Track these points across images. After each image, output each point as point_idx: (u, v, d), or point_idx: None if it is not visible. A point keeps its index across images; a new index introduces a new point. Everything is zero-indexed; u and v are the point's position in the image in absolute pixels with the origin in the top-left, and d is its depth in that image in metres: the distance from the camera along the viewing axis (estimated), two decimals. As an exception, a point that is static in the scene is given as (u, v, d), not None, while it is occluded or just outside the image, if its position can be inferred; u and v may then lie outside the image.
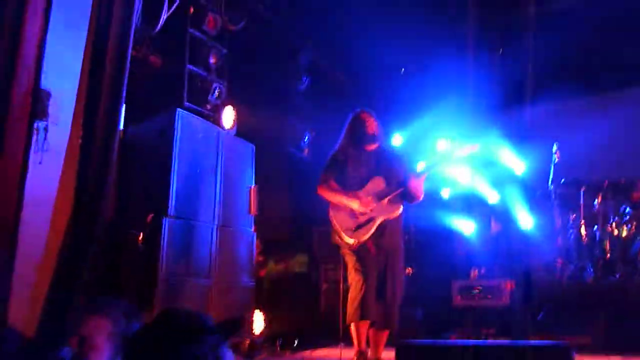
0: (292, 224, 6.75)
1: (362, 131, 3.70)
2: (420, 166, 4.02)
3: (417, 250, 6.19)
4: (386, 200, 3.51)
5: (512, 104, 6.85)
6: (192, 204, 4.24)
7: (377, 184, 3.55)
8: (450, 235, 6.42)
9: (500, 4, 6.26)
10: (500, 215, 6.55)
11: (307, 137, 7.00)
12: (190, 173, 4.26)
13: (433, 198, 6.65)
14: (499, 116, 6.88)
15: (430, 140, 6.91)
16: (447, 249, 6.25)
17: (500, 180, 6.66)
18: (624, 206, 5.37)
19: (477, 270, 5.76)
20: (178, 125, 4.18)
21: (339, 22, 5.88)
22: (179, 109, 4.28)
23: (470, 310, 5.50)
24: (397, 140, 6.79)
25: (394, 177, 3.60)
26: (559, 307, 5.04)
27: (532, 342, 3.46)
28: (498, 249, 6.25)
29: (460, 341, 4.49)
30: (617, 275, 5.08)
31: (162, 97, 4.66)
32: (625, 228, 5.22)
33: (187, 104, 4.63)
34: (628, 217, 5.29)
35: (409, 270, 6.04)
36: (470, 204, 6.75)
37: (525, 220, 6.30)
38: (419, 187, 3.57)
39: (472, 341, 4.35)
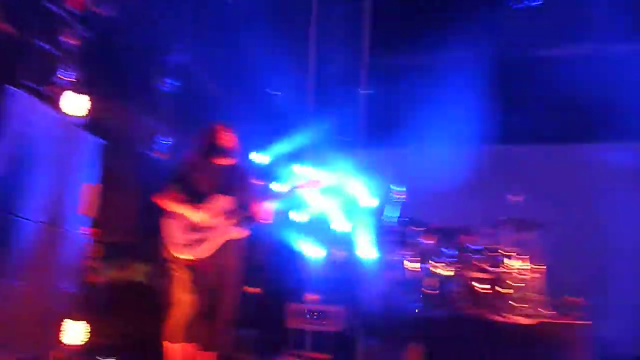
0: (139, 230, 6.36)
1: (216, 144, 3.61)
2: (274, 188, 4.04)
3: (260, 270, 6.19)
4: (232, 220, 3.44)
5: (371, 141, 7.24)
6: (13, 196, 3.76)
7: (225, 201, 3.47)
8: (295, 258, 6.54)
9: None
10: (345, 244, 6.84)
11: (166, 141, 6.70)
12: (16, 160, 3.79)
13: (285, 219, 6.78)
14: (359, 150, 7.24)
15: (291, 162, 7.04)
16: (289, 271, 6.35)
17: (351, 210, 6.98)
18: (450, 248, 5.92)
19: (314, 295, 5.91)
20: (5, 103, 3.69)
21: (213, 28, 5.78)
22: (10, 86, 3.79)
23: (304, 334, 5.62)
24: (258, 158, 6.80)
25: (243, 198, 3.55)
26: (385, 337, 5.37)
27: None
28: (338, 275, 6.50)
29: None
30: (436, 311, 5.56)
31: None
32: (448, 268, 5.74)
33: (27, 82, 4.14)
34: (453, 259, 5.83)
35: (257, 290, 6.03)
36: (320, 229, 6.97)
37: (368, 251, 6.67)
38: (267, 211, 3.56)
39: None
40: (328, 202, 6.95)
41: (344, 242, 6.80)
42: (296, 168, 6.96)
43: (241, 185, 3.63)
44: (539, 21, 6.15)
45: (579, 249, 5.22)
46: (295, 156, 6.95)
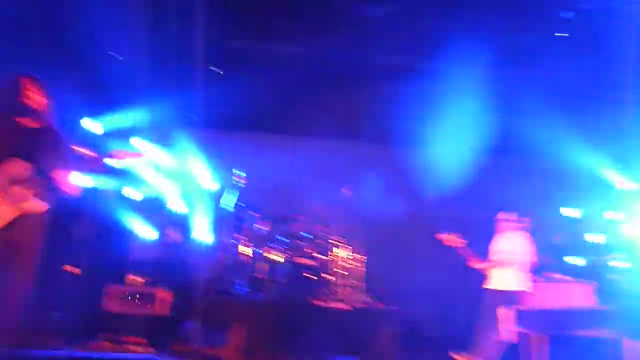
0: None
1: (19, 101, 3.17)
2: (99, 160, 3.64)
3: (82, 248, 5.74)
4: (30, 190, 3.05)
5: (215, 123, 7.09)
6: None
7: (19, 167, 3.07)
8: (123, 237, 6.19)
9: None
10: (179, 226, 6.64)
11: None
12: None
13: (118, 195, 6.38)
14: (203, 131, 7.05)
15: (129, 136, 6.63)
16: (114, 250, 5.99)
17: (190, 192, 6.79)
18: (283, 235, 6.07)
19: (138, 276, 5.65)
20: None
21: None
22: None
23: (123, 317, 5.32)
24: (91, 127, 6.27)
25: (49, 166, 3.16)
26: (209, 320, 5.31)
27: (118, 355, 3.49)
28: (169, 257, 6.29)
29: (48, 352, 4.23)
30: (264, 294, 5.66)
31: None
32: (279, 254, 5.88)
33: None
34: (284, 245, 5.98)
35: (75, 269, 5.58)
36: (155, 208, 6.68)
37: (203, 234, 6.55)
38: (73, 182, 3.23)
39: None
40: (166, 182, 6.70)
41: (180, 223, 6.60)
42: (134, 142, 6.58)
43: (50, 152, 3.22)
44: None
45: (395, 241, 5.68)
46: (135, 131, 6.56)
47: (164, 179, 6.64)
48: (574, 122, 6.67)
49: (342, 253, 5.93)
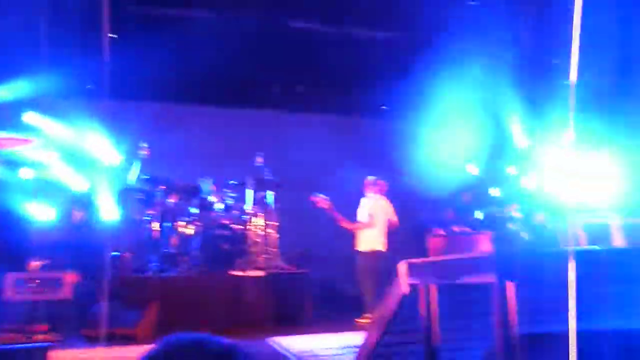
0: None
1: None
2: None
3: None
4: None
5: (115, 93, 6.71)
6: None
7: None
8: (19, 221, 5.77)
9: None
10: (83, 205, 6.30)
11: None
12: None
13: (9, 178, 5.92)
14: (101, 102, 6.63)
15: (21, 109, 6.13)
16: (11, 236, 5.58)
17: (89, 168, 6.43)
18: (192, 207, 5.93)
19: (40, 261, 5.32)
20: None
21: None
22: None
23: (25, 305, 5.02)
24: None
25: None
26: (120, 300, 5.14)
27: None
28: (75, 238, 5.98)
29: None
30: (178, 269, 5.53)
31: None
32: (190, 227, 5.75)
33: None
34: (194, 217, 5.85)
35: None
36: (52, 189, 6.28)
37: (110, 211, 6.25)
38: None
39: None
40: (64, 160, 6.29)
41: (82, 202, 6.26)
42: (27, 117, 6.11)
43: None
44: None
45: (308, 206, 5.74)
46: (27, 103, 6.07)
47: (61, 156, 6.24)
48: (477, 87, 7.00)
49: (256, 221, 5.92)
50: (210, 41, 6.16)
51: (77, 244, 5.92)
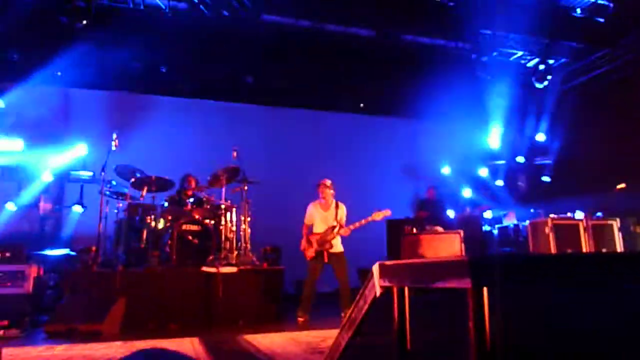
0: None
1: None
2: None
3: None
4: None
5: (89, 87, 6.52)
6: None
7: None
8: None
9: None
10: (51, 195, 6.12)
11: None
12: None
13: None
14: (70, 93, 6.44)
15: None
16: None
17: (56, 160, 6.24)
18: (162, 200, 5.80)
19: (0, 253, 5.13)
20: None
21: None
22: None
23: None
24: None
25: None
26: (85, 295, 4.98)
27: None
28: (38, 230, 5.80)
29: None
30: (147, 264, 5.39)
31: None
32: (161, 220, 5.62)
33: None
34: (165, 211, 5.72)
35: None
36: (19, 177, 6.07)
37: (77, 203, 6.08)
38: None
39: None
40: (26, 151, 6.08)
41: (48, 194, 6.07)
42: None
43: None
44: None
45: (281, 202, 5.67)
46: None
47: (22, 147, 6.02)
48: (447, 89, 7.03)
49: (229, 216, 5.81)
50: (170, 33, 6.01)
51: (41, 236, 5.74)
